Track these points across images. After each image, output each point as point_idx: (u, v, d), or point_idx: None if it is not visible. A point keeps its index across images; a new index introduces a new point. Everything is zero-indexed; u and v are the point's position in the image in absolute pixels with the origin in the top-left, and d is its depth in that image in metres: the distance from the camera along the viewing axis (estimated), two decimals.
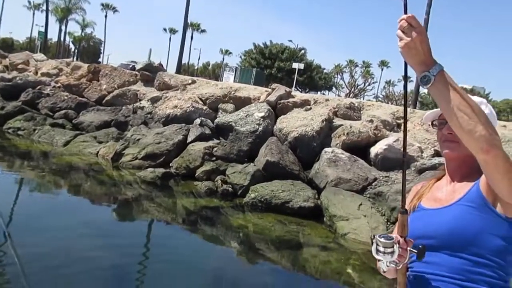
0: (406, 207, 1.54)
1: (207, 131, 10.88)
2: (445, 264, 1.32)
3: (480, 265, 1.29)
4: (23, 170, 9.19)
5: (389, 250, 1.27)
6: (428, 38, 1.19)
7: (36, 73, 18.00)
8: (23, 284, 2.13)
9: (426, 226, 1.40)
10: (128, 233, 6.22)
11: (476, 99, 1.44)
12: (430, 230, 1.37)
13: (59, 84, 16.01)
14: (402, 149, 7.24)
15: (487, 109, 1.42)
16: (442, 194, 1.46)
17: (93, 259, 4.83)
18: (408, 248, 1.29)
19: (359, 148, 9.81)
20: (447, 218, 1.35)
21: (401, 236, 1.31)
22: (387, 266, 1.32)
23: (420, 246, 1.28)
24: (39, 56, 21.38)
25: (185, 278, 4.80)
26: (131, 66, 21.04)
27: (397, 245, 1.27)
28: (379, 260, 1.33)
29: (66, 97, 14.48)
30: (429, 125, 1.51)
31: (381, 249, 1.28)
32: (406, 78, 1.36)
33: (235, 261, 5.92)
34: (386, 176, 8.53)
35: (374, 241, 1.31)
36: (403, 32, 1.19)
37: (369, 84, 51.90)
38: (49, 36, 45.92)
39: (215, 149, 10.06)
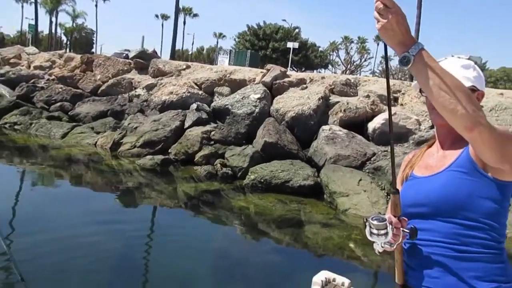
0: (399, 177, 1.55)
1: (204, 116, 10.86)
2: (438, 229, 1.34)
3: (473, 228, 1.30)
4: (23, 164, 9.21)
5: (383, 231, 1.28)
6: (405, 18, 1.15)
7: (29, 66, 17.84)
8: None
9: (417, 194, 1.41)
10: (131, 220, 6.26)
11: (463, 62, 1.43)
12: (422, 198, 1.38)
13: (53, 77, 15.90)
14: (399, 123, 7.16)
15: (474, 72, 1.41)
16: (433, 161, 1.46)
17: (98, 246, 4.89)
18: (401, 229, 1.30)
19: (356, 124, 9.80)
20: (437, 184, 1.36)
21: (395, 216, 1.32)
22: (382, 247, 1.33)
23: (412, 227, 1.29)
24: (31, 49, 21.14)
25: (190, 260, 4.86)
26: (124, 54, 20.81)
27: (391, 226, 1.28)
28: (373, 242, 1.34)
29: (60, 89, 14.39)
30: (419, 92, 1.49)
31: (375, 231, 1.29)
32: (386, 59, 1.33)
33: (239, 241, 5.99)
34: (384, 151, 8.55)
35: (367, 224, 1.31)
36: (379, 13, 1.15)
37: (365, 60, 51.51)
38: (40, 29, 45.51)
39: (212, 133, 10.06)
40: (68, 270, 4.24)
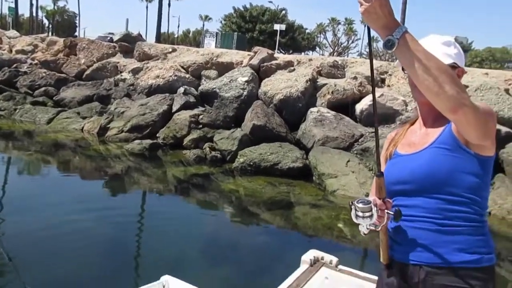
0: (382, 155, 1.57)
1: (192, 99, 10.79)
2: (422, 205, 1.37)
3: (456, 203, 1.34)
4: (9, 150, 9.08)
5: (368, 214, 1.31)
6: (388, 1, 1.15)
7: (11, 51, 17.41)
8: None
9: (401, 172, 1.43)
10: (120, 205, 6.26)
11: (444, 39, 1.44)
12: (406, 175, 1.41)
13: (35, 61, 15.56)
14: (386, 104, 7.18)
15: (455, 49, 1.43)
16: (416, 138, 1.48)
17: (87, 231, 4.89)
18: (386, 211, 1.33)
19: (344, 106, 9.85)
20: (421, 162, 1.38)
21: (379, 198, 1.35)
22: (367, 228, 1.36)
23: (396, 209, 1.33)
24: (12, 33, 20.59)
25: (180, 244, 4.89)
26: (109, 38, 20.42)
27: (375, 208, 1.31)
28: (359, 224, 1.37)
29: (44, 74, 14.11)
30: (402, 70, 1.51)
31: (360, 213, 1.32)
32: (370, 42, 1.32)
33: (229, 224, 6.04)
34: (372, 132, 8.62)
35: (352, 207, 1.34)
36: None
37: (352, 42, 51.45)
38: (20, 12, 44.22)
39: (201, 116, 10.01)
40: (57, 253, 4.25)
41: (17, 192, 6.25)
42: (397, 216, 1.32)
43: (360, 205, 1.31)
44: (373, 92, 1.37)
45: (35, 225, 4.81)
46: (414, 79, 1.20)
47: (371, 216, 1.31)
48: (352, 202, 1.35)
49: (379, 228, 1.36)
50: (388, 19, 1.16)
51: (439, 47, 1.39)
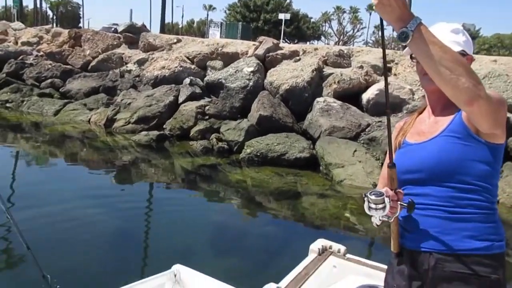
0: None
1: (198, 90, 10.79)
2: (433, 194, 1.37)
3: (468, 191, 1.34)
4: (18, 142, 9.18)
5: (380, 206, 1.32)
6: None
7: (16, 42, 17.44)
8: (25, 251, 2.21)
9: (411, 160, 1.43)
10: (129, 196, 6.32)
11: (452, 26, 1.43)
12: (416, 164, 1.41)
13: (41, 53, 15.59)
14: (393, 93, 7.13)
15: (464, 36, 1.42)
16: (425, 127, 1.48)
17: (97, 221, 4.97)
18: (399, 203, 1.33)
19: (351, 95, 9.80)
20: (431, 150, 1.38)
21: (391, 189, 1.35)
22: (380, 220, 1.37)
23: (409, 200, 1.33)
24: (17, 24, 20.60)
25: (188, 233, 4.94)
26: (113, 29, 20.38)
27: (388, 199, 1.31)
28: (371, 216, 1.37)
29: (50, 66, 14.16)
30: (410, 58, 1.49)
31: (373, 205, 1.33)
32: (382, 34, 1.30)
33: (236, 214, 6.09)
34: (379, 121, 8.60)
35: (365, 199, 1.35)
36: None
37: (358, 30, 51.04)
38: (24, 3, 44.18)
39: (207, 107, 10.02)
40: (68, 242, 4.32)
41: (28, 183, 6.33)
42: (411, 207, 1.32)
43: (373, 197, 1.32)
44: (385, 82, 1.36)
45: (46, 215, 4.87)
46: (429, 71, 1.19)
47: (383, 208, 1.32)
48: (365, 194, 1.35)
49: (392, 220, 1.37)
50: (402, 11, 1.14)
51: (447, 34, 1.38)
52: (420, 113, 1.58)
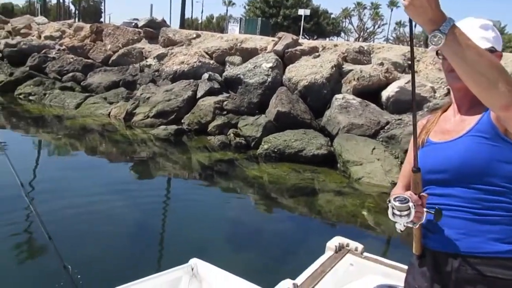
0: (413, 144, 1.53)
1: (216, 85, 10.82)
2: (459, 195, 1.33)
3: (494, 193, 1.30)
4: (40, 134, 9.39)
5: (405, 213, 1.28)
6: None
7: (40, 37, 17.81)
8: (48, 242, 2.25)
9: (436, 160, 1.39)
10: (147, 189, 6.39)
11: (481, 22, 1.38)
12: (441, 164, 1.37)
13: (63, 47, 15.89)
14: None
15: (493, 32, 1.37)
16: (450, 126, 1.43)
17: (116, 215, 5.04)
18: (425, 209, 1.30)
19: (370, 93, 9.69)
20: (458, 150, 1.33)
21: (415, 193, 1.31)
22: (404, 226, 1.33)
23: (436, 208, 1.29)
24: (40, 19, 21.03)
25: (205, 228, 4.97)
26: (133, 24, 20.59)
27: (413, 205, 1.27)
28: (395, 222, 1.34)
29: (72, 60, 14.41)
30: (435, 55, 1.44)
31: (397, 212, 1.29)
32: (411, 35, 1.25)
33: (253, 209, 6.10)
34: (398, 119, 8.48)
35: (389, 205, 1.31)
36: None
37: (378, 27, 50.32)
38: None
39: (225, 103, 10.05)
40: (88, 234, 4.41)
41: (49, 175, 6.46)
42: (438, 215, 1.29)
43: (397, 203, 1.28)
44: (413, 87, 1.32)
45: (67, 207, 4.98)
46: (462, 75, 1.14)
47: (408, 215, 1.28)
48: (388, 200, 1.31)
49: (417, 226, 1.33)
50: (435, 12, 1.07)
51: (476, 30, 1.33)
52: (444, 111, 1.53)
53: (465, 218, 1.33)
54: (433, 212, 1.29)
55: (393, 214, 1.31)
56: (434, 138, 1.47)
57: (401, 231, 1.38)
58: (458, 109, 1.43)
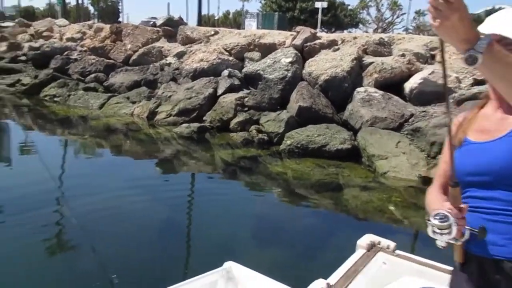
0: (448, 143, 1.48)
1: (236, 82, 10.84)
2: (501, 198, 1.28)
3: None
4: (66, 134, 9.61)
5: (446, 231, 1.22)
6: (467, 10, 0.97)
7: (61, 39, 18.15)
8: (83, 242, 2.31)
9: (476, 161, 1.33)
10: (173, 188, 6.46)
11: None
12: (482, 166, 1.31)
13: (84, 48, 16.15)
14: (438, 81, 6.77)
15: None
16: (490, 124, 1.36)
17: (144, 215, 5.12)
18: (467, 228, 1.24)
19: (392, 85, 9.54)
20: (499, 151, 1.27)
21: (455, 207, 1.24)
22: (446, 242, 1.27)
23: (481, 226, 1.24)
24: (61, 21, 21.40)
25: (230, 224, 5.01)
26: (152, 22, 20.75)
27: (454, 222, 1.21)
28: (436, 240, 1.27)
29: (93, 60, 14.64)
30: None
31: (437, 230, 1.24)
32: (443, 56, 1.19)
33: (278, 206, 6.10)
34: (423, 111, 8.32)
35: (428, 223, 1.25)
36: (435, 8, 0.98)
37: (397, 17, 49.26)
38: (67, 0, 45.75)
39: (246, 99, 10.06)
40: (118, 234, 4.48)
41: (77, 174, 6.62)
42: (482, 234, 1.23)
43: (437, 222, 1.22)
44: (447, 98, 1.27)
45: (96, 206, 5.09)
46: (502, 93, 1.09)
47: (449, 233, 1.22)
48: (428, 219, 1.26)
49: (459, 242, 1.27)
50: (468, 31, 1.00)
51: None
52: (481, 107, 1.46)
53: (509, 223, 1.27)
54: (477, 231, 1.23)
55: (433, 232, 1.25)
56: (472, 137, 1.40)
57: (442, 247, 1.30)
58: (498, 104, 1.36)
